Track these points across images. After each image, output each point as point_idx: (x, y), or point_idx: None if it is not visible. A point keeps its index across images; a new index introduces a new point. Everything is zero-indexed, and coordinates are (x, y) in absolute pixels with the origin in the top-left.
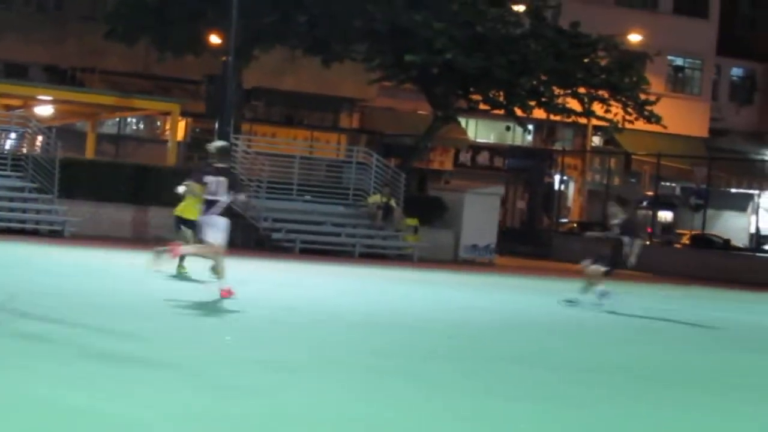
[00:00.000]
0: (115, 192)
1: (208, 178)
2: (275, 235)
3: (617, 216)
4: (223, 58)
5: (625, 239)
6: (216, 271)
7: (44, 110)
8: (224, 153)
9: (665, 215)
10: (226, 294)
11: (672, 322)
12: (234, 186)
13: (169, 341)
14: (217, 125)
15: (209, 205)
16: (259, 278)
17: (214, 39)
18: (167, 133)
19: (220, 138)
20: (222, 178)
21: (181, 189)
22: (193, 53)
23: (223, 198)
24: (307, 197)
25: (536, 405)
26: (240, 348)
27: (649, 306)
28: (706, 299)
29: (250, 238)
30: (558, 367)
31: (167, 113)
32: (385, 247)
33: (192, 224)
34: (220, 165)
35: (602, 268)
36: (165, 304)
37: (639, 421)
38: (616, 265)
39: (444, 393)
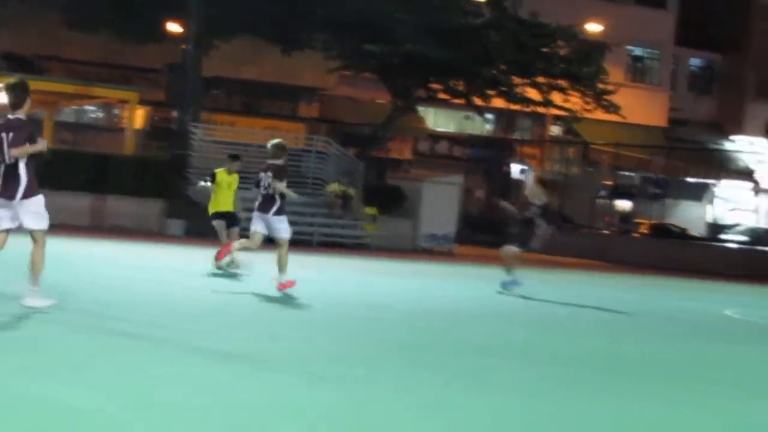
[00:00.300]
0: (73, 180)
1: (261, 175)
2: None
3: (538, 197)
4: (183, 47)
5: (540, 222)
6: (280, 265)
7: (2, 98)
8: (279, 150)
9: (624, 204)
10: (287, 285)
11: (633, 314)
12: (279, 176)
13: (136, 332)
14: (176, 114)
15: (267, 201)
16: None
17: (175, 28)
18: (126, 121)
19: (179, 126)
20: (270, 173)
21: (200, 184)
22: (154, 42)
23: (273, 192)
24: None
25: (503, 398)
26: (200, 338)
27: (611, 297)
28: (665, 289)
29: (209, 227)
30: (523, 358)
31: (126, 101)
32: (344, 236)
33: (226, 216)
34: (274, 162)
35: (517, 249)
36: (131, 295)
37: (607, 414)
38: (527, 245)
39: (409, 385)
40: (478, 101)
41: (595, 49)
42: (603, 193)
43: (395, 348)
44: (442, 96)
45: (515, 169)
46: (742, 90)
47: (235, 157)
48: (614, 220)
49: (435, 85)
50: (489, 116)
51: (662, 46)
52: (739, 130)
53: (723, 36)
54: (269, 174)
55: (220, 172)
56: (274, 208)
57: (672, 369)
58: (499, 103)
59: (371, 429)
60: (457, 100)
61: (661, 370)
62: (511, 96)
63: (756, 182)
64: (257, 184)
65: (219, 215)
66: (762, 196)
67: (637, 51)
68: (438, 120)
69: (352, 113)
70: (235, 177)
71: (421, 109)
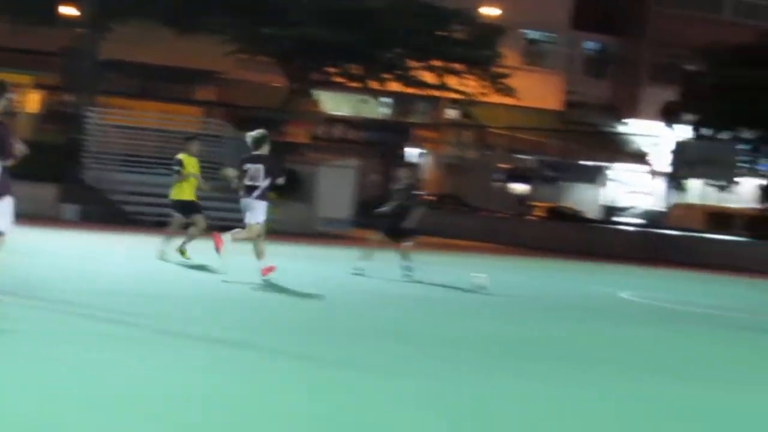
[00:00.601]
0: None
1: (247, 165)
2: (128, 208)
3: (402, 180)
4: (79, 30)
5: (409, 203)
6: (257, 252)
7: None
8: (261, 141)
9: (520, 188)
10: (268, 271)
11: (526, 297)
12: (271, 171)
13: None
14: (71, 97)
15: (249, 190)
16: (108, 252)
17: (70, 10)
18: (20, 105)
19: (74, 109)
20: (260, 165)
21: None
22: (49, 25)
23: (262, 183)
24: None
25: (396, 380)
26: (89, 321)
27: (505, 280)
28: (559, 272)
29: (105, 212)
30: (415, 341)
31: (20, 85)
32: (239, 220)
33: (185, 205)
34: (257, 153)
35: (409, 241)
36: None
37: (497, 393)
38: (400, 230)
39: (303, 368)
40: (374, 85)
41: (491, 32)
42: (499, 176)
43: (287, 331)
44: (338, 79)
45: (411, 153)
46: (637, 73)
47: (191, 138)
48: (515, 204)
49: (331, 69)
50: (385, 100)
51: (558, 30)
52: (634, 113)
53: (619, 19)
54: (260, 167)
55: (185, 157)
56: (253, 194)
57: (563, 350)
58: (395, 86)
59: (268, 410)
60: (353, 84)
61: (552, 350)
62: (406, 79)
63: (650, 165)
64: (242, 175)
65: (180, 205)
66: (657, 179)
67: (533, 34)
68: (334, 104)
69: (249, 97)
70: (196, 161)
71: (317, 93)
